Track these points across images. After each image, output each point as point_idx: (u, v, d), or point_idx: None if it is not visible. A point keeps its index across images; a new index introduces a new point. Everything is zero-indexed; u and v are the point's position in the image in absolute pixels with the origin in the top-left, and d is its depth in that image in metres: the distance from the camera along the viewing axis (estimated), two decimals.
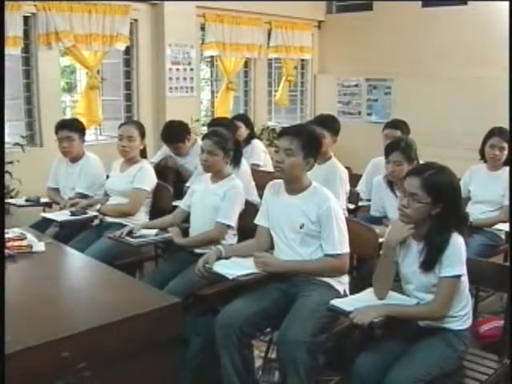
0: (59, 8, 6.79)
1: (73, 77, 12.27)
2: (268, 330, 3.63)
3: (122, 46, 7.52)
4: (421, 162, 4.27)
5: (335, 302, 3.05)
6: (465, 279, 2.94)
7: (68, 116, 8.90)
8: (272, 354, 3.86)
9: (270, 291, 3.41)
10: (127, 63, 7.99)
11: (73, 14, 6.91)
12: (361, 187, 5.26)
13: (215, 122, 5.57)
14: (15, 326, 2.53)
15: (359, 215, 4.89)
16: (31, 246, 3.55)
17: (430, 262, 2.90)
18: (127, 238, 4.03)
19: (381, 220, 4.45)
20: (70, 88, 12.34)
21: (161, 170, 5.56)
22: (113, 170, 4.92)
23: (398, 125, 5.56)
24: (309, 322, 3.11)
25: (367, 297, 3.08)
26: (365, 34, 9.54)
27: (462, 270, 2.87)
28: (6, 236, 3.60)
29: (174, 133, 5.76)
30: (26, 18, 6.71)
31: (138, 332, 2.65)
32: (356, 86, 9.96)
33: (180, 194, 4.97)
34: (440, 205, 2.86)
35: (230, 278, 3.27)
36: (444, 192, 2.87)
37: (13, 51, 6.54)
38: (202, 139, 4.20)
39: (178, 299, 2.84)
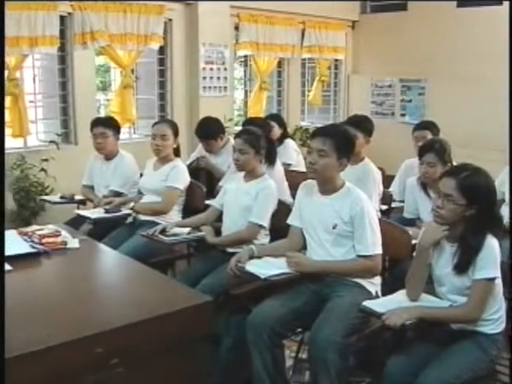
0: (95, 8, 6.86)
1: (107, 75, 12.38)
2: (299, 330, 3.62)
3: (156, 45, 7.57)
4: (455, 163, 4.24)
5: (367, 303, 3.05)
6: (499, 282, 2.91)
7: (102, 114, 8.97)
8: (303, 354, 3.85)
9: (301, 291, 3.41)
10: (161, 62, 8.04)
11: (108, 14, 6.98)
12: (394, 188, 5.23)
13: (249, 122, 5.57)
14: (50, 322, 2.57)
15: (392, 216, 4.86)
16: (66, 243, 3.59)
17: (463, 265, 2.88)
18: (160, 236, 4.04)
19: (414, 222, 4.42)
20: (105, 87, 12.45)
21: (194, 169, 5.58)
22: (146, 168, 4.95)
23: (427, 126, 5.53)
24: (340, 323, 3.10)
25: (399, 298, 3.07)
26: (399, 34, 9.49)
27: (496, 272, 2.84)
28: (41, 232, 3.65)
29: (208, 129, 5.78)
30: (62, 18, 6.79)
31: (170, 330, 2.66)
32: (390, 86, 9.91)
33: (213, 192, 4.99)
34: (475, 206, 2.84)
35: (262, 277, 3.27)
36: (479, 194, 2.85)
37: (49, 50, 6.63)
38: (234, 138, 4.21)
39: (210, 298, 2.84)
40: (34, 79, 7.16)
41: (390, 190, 5.16)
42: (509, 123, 4.82)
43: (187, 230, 4.14)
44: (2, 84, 1.89)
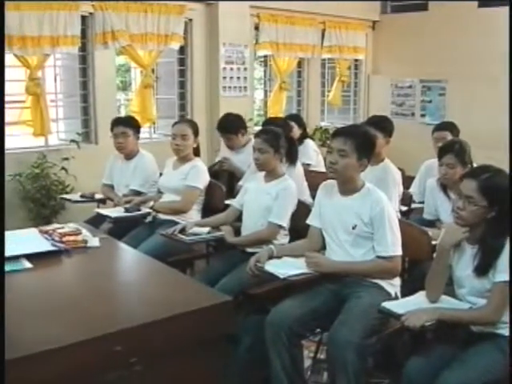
0: (116, 8, 6.89)
1: (127, 75, 12.43)
2: (318, 330, 3.62)
3: (176, 45, 7.59)
4: (475, 164, 4.21)
5: (386, 304, 3.04)
6: None
7: (122, 114, 9.01)
8: (321, 354, 3.86)
9: (320, 291, 3.40)
10: (181, 62, 8.06)
11: (129, 14, 7.00)
12: (413, 189, 5.20)
13: (269, 122, 5.58)
14: (70, 320, 2.59)
15: (412, 217, 4.84)
16: (86, 241, 3.61)
17: (483, 267, 2.86)
18: (180, 235, 4.06)
19: (433, 223, 4.40)
20: (125, 86, 12.50)
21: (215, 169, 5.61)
22: (166, 167, 4.97)
23: (447, 127, 5.50)
24: (359, 324, 3.10)
25: (419, 300, 3.06)
26: (419, 35, 9.44)
27: None
28: (62, 231, 3.68)
29: (229, 123, 5.81)
30: (83, 18, 6.82)
31: (188, 329, 2.67)
32: (410, 87, 9.87)
33: (233, 192, 5.00)
34: (496, 208, 2.82)
35: (281, 277, 3.27)
36: (500, 195, 2.83)
37: (71, 50, 6.67)
38: (254, 138, 4.22)
39: (229, 297, 2.85)
40: (55, 79, 7.22)
41: (410, 190, 5.14)
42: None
43: (207, 229, 4.15)
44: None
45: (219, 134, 5.91)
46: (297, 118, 6.63)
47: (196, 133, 4.85)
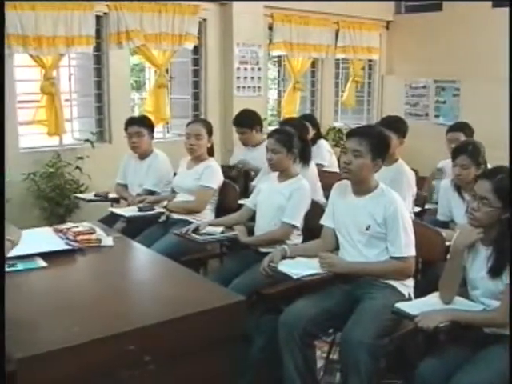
0: (130, 8, 6.90)
1: (141, 75, 12.44)
2: (331, 330, 3.62)
3: (190, 45, 7.59)
4: (489, 165, 4.20)
5: (400, 305, 3.03)
6: None
7: (136, 113, 9.03)
8: (334, 355, 3.85)
9: (334, 292, 3.40)
10: (195, 62, 8.06)
11: (143, 14, 7.02)
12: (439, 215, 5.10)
13: (285, 122, 5.58)
14: (83, 318, 2.60)
15: (425, 218, 4.82)
16: (100, 240, 3.63)
17: (498, 268, 2.85)
18: (193, 234, 4.07)
19: (447, 224, 4.38)
20: (139, 86, 12.52)
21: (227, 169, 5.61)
22: (180, 167, 4.98)
23: (460, 128, 5.49)
24: (372, 325, 3.09)
25: (432, 301, 3.05)
26: (434, 35, 9.40)
27: None
28: (76, 230, 3.69)
29: (245, 118, 5.88)
30: (98, 18, 6.85)
31: (202, 328, 2.68)
32: (424, 87, 9.83)
33: (246, 192, 5.01)
34: (510, 209, 2.81)
35: (295, 277, 3.27)
36: None
37: (85, 50, 6.70)
38: (267, 138, 4.23)
39: (242, 297, 2.85)
40: (69, 78, 7.23)
41: (438, 217, 5.02)
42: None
43: (220, 229, 4.16)
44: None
45: (235, 129, 5.95)
46: (311, 119, 6.62)
47: (210, 133, 4.86)
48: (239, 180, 5.61)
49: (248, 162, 5.76)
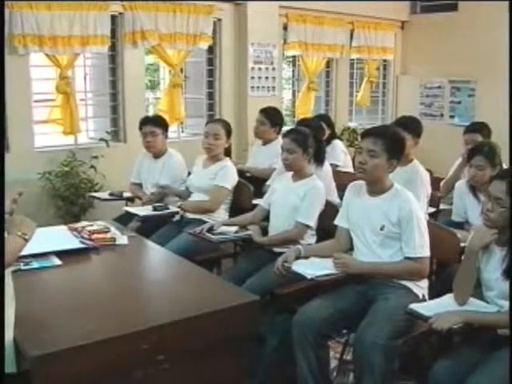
0: (145, 8, 6.93)
1: (156, 75, 12.48)
2: (344, 331, 3.61)
3: (205, 45, 7.62)
4: (504, 166, 4.18)
5: (414, 306, 3.02)
6: None
7: (151, 113, 9.06)
8: (347, 355, 3.84)
9: (347, 292, 3.40)
10: (210, 62, 8.08)
11: (158, 14, 7.05)
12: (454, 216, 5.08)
13: (302, 123, 5.59)
14: (97, 317, 2.62)
15: (440, 219, 4.81)
16: (114, 239, 3.65)
17: None
18: (207, 234, 4.08)
19: (462, 225, 4.37)
20: (153, 85, 12.55)
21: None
22: (195, 165, 4.99)
23: (477, 128, 5.46)
24: (386, 325, 3.08)
25: (447, 302, 3.03)
26: (449, 35, 9.37)
27: None
28: (91, 228, 3.72)
29: (274, 112, 5.94)
30: (113, 18, 6.89)
31: (216, 328, 2.69)
32: (439, 87, 9.80)
33: (260, 192, 5.01)
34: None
35: (309, 277, 3.27)
36: None
37: (100, 49, 6.74)
38: (282, 138, 4.23)
39: (257, 297, 2.86)
40: (84, 78, 7.26)
41: (453, 218, 4.98)
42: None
43: (234, 228, 4.17)
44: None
45: (258, 116, 5.96)
46: (326, 119, 6.62)
47: (229, 134, 4.87)
48: (253, 180, 5.62)
49: (256, 169, 5.76)
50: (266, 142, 5.94)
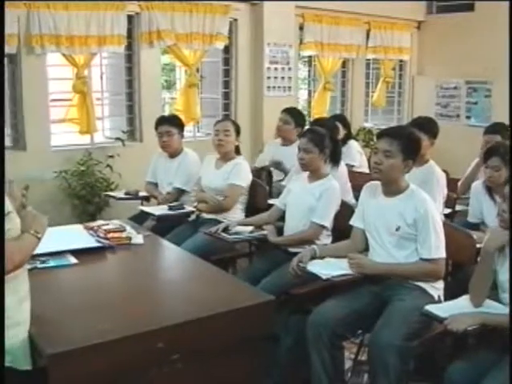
0: (161, 8, 6.95)
1: (172, 74, 12.49)
2: (359, 331, 3.61)
3: (221, 45, 7.62)
4: None
5: (430, 307, 3.01)
6: None
7: (167, 112, 9.09)
8: (362, 356, 3.83)
9: (362, 293, 3.39)
10: (226, 62, 8.08)
11: (174, 14, 7.06)
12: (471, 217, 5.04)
13: (316, 122, 5.58)
14: (113, 315, 2.63)
15: (455, 220, 4.79)
16: (130, 238, 3.66)
17: None
18: (223, 234, 4.09)
19: (478, 226, 4.34)
20: (169, 85, 12.56)
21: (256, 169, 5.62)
22: (206, 164, 5.00)
23: (497, 129, 5.43)
24: (401, 327, 3.08)
25: (462, 304, 3.02)
26: (465, 35, 9.31)
27: None
28: (107, 227, 3.73)
29: (299, 112, 5.94)
30: (129, 18, 6.90)
31: (231, 327, 2.69)
32: (455, 88, 9.75)
33: (269, 193, 5.02)
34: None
35: (324, 277, 3.27)
36: None
37: (117, 49, 6.76)
38: (299, 138, 4.23)
39: (272, 297, 2.86)
40: (101, 77, 7.30)
41: (469, 219, 4.94)
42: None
43: (250, 228, 4.18)
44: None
45: (281, 116, 5.90)
46: (342, 119, 6.60)
47: (238, 131, 4.88)
48: (264, 173, 5.64)
49: (280, 162, 5.73)
50: (286, 142, 5.86)
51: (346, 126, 6.48)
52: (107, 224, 3.83)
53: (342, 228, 3.88)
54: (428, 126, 4.77)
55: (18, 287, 2.31)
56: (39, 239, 2.40)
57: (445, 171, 4.88)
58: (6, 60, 6.28)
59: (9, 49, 6.00)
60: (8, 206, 2.23)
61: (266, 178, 5.68)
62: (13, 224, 2.27)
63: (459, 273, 3.88)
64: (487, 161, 4.27)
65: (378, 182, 3.52)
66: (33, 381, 2.35)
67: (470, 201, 4.58)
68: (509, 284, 2.80)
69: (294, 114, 5.83)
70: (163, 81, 10.03)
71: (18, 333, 2.28)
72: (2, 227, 2.11)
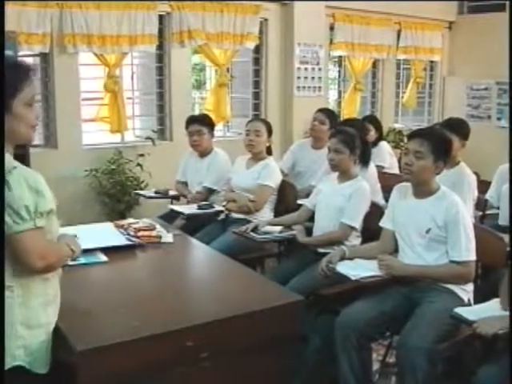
0: (192, 7, 6.99)
1: (202, 74, 12.54)
2: (387, 333, 3.60)
3: (251, 44, 7.65)
4: None
5: (459, 310, 2.99)
6: None
7: (197, 112, 9.13)
8: (390, 358, 3.82)
9: (391, 295, 3.38)
10: (256, 62, 8.10)
11: (205, 14, 7.10)
12: (490, 194, 5.07)
13: (344, 123, 5.55)
14: (142, 313, 2.64)
15: (486, 223, 4.74)
16: (160, 237, 3.68)
17: None
18: (252, 233, 4.10)
19: (508, 229, 4.31)
20: (199, 85, 12.61)
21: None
22: (237, 165, 5.02)
23: None
24: (430, 329, 3.06)
25: (492, 307, 2.99)
26: (496, 36, 9.18)
27: None
28: (137, 226, 3.76)
29: (328, 113, 5.87)
30: (160, 17, 6.95)
31: (259, 327, 2.69)
32: (486, 89, 9.66)
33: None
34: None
35: (353, 278, 3.27)
36: None
37: (148, 48, 6.82)
38: (329, 138, 4.22)
39: (301, 297, 2.86)
40: (132, 77, 7.35)
41: (487, 196, 4.97)
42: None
43: (279, 228, 4.18)
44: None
45: (318, 114, 5.76)
46: (373, 120, 6.57)
47: (270, 132, 4.88)
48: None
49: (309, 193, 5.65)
50: (317, 144, 5.69)
51: (378, 127, 6.45)
52: (137, 222, 3.86)
53: (371, 229, 3.86)
54: (459, 127, 4.74)
55: (48, 290, 2.30)
56: (73, 255, 2.45)
57: (475, 173, 4.84)
58: (38, 59, 6.37)
59: (42, 48, 6.09)
60: (49, 203, 2.23)
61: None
62: (50, 226, 2.28)
63: (490, 276, 3.85)
64: None
65: (408, 184, 3.50)
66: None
67: (500, 203, 4.55)
68: (508, 285, 2.77)
69: (329, 115, 5.80)
70: (193, 80, 10.08)
71: (37, 334, 2.25)
72: (2, 227, 2.10)
